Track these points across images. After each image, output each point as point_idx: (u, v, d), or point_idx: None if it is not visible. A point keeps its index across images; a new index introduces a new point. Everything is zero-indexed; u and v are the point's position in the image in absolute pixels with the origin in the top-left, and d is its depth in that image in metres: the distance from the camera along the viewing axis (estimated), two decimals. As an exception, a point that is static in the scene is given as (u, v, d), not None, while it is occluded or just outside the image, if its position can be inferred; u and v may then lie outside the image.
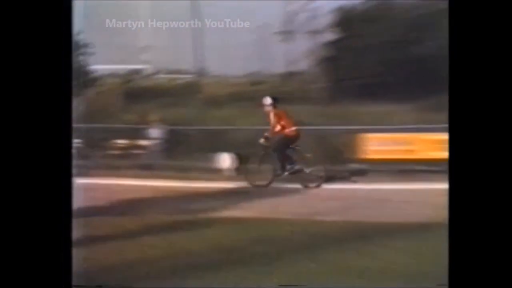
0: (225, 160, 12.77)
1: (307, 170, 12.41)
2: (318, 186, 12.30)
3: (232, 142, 13.94)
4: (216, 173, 12.65)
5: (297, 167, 12.48)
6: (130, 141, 15.19)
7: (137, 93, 17.99)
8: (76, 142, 14.89)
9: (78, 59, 18.79)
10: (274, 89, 18.80)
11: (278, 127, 12.54)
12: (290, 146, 12.60)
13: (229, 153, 12.87)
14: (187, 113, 15.88)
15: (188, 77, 19.01)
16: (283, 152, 12.56)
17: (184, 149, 14.15)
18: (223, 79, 18.97)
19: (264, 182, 12.39)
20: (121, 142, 14.98)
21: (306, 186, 12.30)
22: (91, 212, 9.59)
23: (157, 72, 19.54)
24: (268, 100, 12.81)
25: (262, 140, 12.61)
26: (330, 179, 12.51)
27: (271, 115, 12.63)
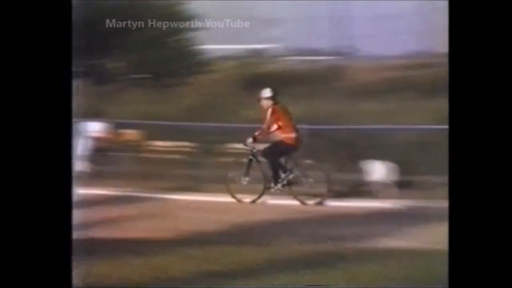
0: (379, 171, 12.44)
1: (305, 182, 12.45)
2: (319, 203, 12.25)
3: (388, 146, 13.64)
4: (367, 188, 12.34)
5: (292, 176, 12.54)
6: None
7: (260, 81, 18.00)
8: (182, 146, 15.27)
9: (183, 36, 19.10)
10: (443, 74, 18.25)
11: (274, 127, 12.62)
12: (285, 155, 12.65)
13: (384, 161, 12.52)
14: (326, 107, 15.66)
15: (327, 59, 18.83)
16: (276, 160, 12.65)
17: (323, 155, 13.94)
18: (374, 61, 18.62)
19: (251, 197, 12.53)
20: (240, 146, 15.00)
21: (303, 203, 12.30)
22: (201, 238, 9.60)
23: (286, 53, 19.49)
24: (267, 92, 12.90)
25: (249, 141, 12.78)
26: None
27: (268, 112, 12.69)
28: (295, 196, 12.40)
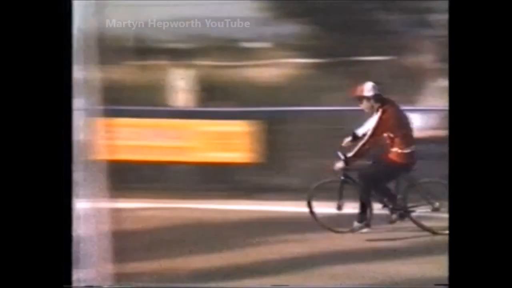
0: None
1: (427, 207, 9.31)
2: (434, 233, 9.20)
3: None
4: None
5: (407, 204, 9.36)
6: None
7: None
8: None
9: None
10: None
11: (377, 138, 9.12)
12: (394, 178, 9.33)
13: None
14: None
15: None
16: (383, 185, 9.28)
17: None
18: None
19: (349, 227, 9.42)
20: None
21: (434, 232, 9.21)
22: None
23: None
24: (369, 89, 9.10)
25: (340, 165, 9.23)
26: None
27: (376, 119, 9.10)
28: (419, 225, 9.33)
